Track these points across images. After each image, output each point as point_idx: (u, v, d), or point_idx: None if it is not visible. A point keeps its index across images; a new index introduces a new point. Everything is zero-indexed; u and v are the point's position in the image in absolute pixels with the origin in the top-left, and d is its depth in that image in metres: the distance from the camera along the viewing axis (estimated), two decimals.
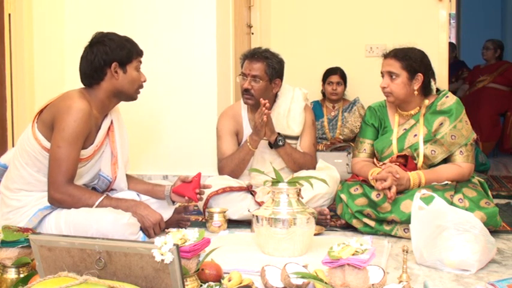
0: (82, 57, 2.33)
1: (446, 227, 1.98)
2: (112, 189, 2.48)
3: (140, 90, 2.41)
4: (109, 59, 2.29)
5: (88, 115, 2.21)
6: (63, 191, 2.19)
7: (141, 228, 2.27)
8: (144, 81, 2.41)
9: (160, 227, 2.35)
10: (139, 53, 2.39)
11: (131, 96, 2.39)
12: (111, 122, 2.42)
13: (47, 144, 2.21)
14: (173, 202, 2.48)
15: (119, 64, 2.30)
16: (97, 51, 2.29)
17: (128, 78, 2.33)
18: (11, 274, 1.72)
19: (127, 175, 2.52)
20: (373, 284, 1.64)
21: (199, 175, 2.45)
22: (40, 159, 2.22)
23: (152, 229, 2.30)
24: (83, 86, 2.35)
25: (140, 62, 2.40)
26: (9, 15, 3.29)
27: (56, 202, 2.22)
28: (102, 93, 2.31)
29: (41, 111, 2.27)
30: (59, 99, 2.26)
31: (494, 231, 2.32)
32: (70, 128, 2.16)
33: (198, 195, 2.43)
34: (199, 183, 2.43)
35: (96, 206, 2.23)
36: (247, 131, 2.95)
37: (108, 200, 2.28)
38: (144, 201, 2.44)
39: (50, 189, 2.21)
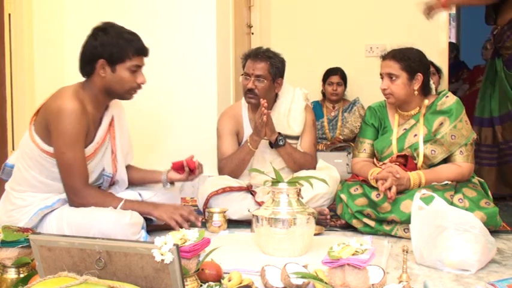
0: (82, 46, 2.27)
1: (446, 227, 1.98)
2: (114, 182, 2.46)
3: (135, 91, 2.30)
4: (97, 55, 2.20)
5: (80, 114, 2.16)
6: (84, 196, 2.19)
7: (143, 228, 2.27)
8: (142, 83, 2.29)
9: (188, 213, 2.31)
10: (138, 53, 2.25)
11: (122, 97, 2.31)
12: (112, 118, 2.37)
13: (45, 147, 2.19)
14: (170, 184, 2.53)
15: (106, 62, 2.21)
16: (89, 43, 2.23)
17: (116, 78, 2.22)
18: (11, 274, 1.72)
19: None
20: (373, 284, 1.64)
21: (192, 156, 2.56)
22: (41, 162, 2.21)
23: (180, 217, 2.28)
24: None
25: (139, 62, 2.27)
26: (9, 15, 3.28)
27: (80, 206, 2.22)
28: (95, 88, 2.25)
29: (37, 112, 2.25)
30: (50, 99, 2.22)
31: (494, 231, 2.32)
32: (67, 131, 2.13)
33: (196, 162, 2.50)
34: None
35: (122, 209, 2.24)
36: (247, 131, 2.95)
37: (130, 203, 2.29)
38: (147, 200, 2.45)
39: (69, 196, 2.22)
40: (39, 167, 2.22)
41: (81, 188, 2.19)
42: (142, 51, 2.28)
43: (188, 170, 2.50)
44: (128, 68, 2.23)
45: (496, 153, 3.59)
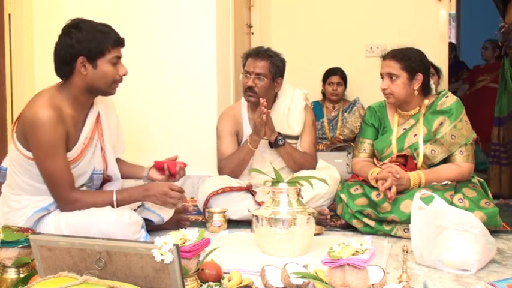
0: (54, 48, 2.16)
1: (446, 227, 1.98)
2: (108, 178, 2.43)
3: (117, 84, 2.22)
4: (75, 53, 2.10)
5: (55, 123, 2.08)
6: (72, 201, 2.16)
7: (143, 227, 2.26)
8: (124, 75, 2.20)
9: (178, 190, 2.25)
10: (116, 44, 2.17)
11: (105, 93, 2.22)
12: (98, 114, 2.30)
13: (29, 154, 2.15)
14: (152, 182, 2.46)
15: (86, 59, 2.11)
16: (64, 43, 2.13)
17: (98, 73, 2.14)
18: (11, 274, 1.72)
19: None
20: (373, 284, 1.64)
21: (176, 157, 2.49)
22: (28, 168, 2.17)
23: (171, 199, 2.24)
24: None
25: (119, 54, 2.19)
26: (9, 15, 3.29)
27: (72, 211, 2.19)
28: (75, 89, 2.16)
29: (18, 119, 2.20)
30: (26, 108, 2.15)
31: (494, 231, 2.32)
32: (43, 142, 2.08)
33: (177, 167, 2.43)
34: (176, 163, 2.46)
35: (116, 201, 2.21)
36: (247, 131, 2.95)
37: (121, 195, 2.24)
38: None
39: (59, 204, 2.19)
40: (28, 173, 2.19)
41: (67, 195, 2.16)
42: (120, 42, 2.20)
43: (168, 173, 2.44)
44: (109, 61, 2.15)
45: (505, 152, 3.59)
